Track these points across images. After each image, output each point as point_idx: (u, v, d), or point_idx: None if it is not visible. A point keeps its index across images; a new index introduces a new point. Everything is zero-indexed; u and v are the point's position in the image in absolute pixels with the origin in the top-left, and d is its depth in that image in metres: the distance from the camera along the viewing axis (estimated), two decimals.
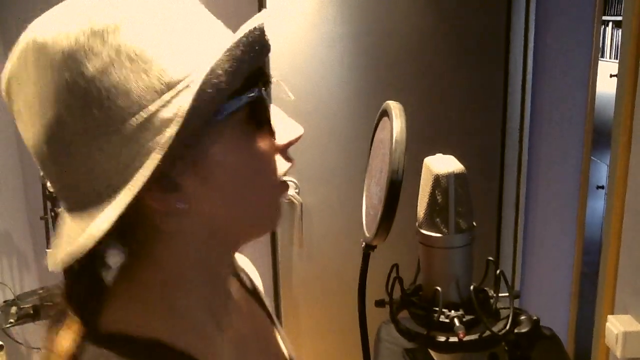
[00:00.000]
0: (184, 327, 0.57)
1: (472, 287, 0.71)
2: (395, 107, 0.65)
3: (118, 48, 0.46)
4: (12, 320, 2.10)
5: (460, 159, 0.71)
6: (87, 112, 0.46)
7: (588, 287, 2.49)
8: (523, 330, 0.72)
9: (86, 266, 0.51)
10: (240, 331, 0.65)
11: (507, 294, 0.73)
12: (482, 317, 0.69)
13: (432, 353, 0.78)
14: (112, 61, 0.45)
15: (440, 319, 0.69)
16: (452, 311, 0.70)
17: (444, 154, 0.72)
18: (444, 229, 0.69)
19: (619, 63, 1.62)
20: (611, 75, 3.34)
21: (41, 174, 1.98)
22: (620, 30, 3.61)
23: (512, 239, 2.46)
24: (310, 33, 2.32)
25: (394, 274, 0.76)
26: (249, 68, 0.49)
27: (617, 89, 1.60)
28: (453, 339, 0.68)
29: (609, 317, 1.57)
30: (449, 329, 0.68)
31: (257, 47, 0.49)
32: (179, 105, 0.46)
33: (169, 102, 0.46)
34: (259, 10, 2.32)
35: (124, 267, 0.57)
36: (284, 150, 0.57)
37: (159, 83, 0.46)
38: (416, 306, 0.74)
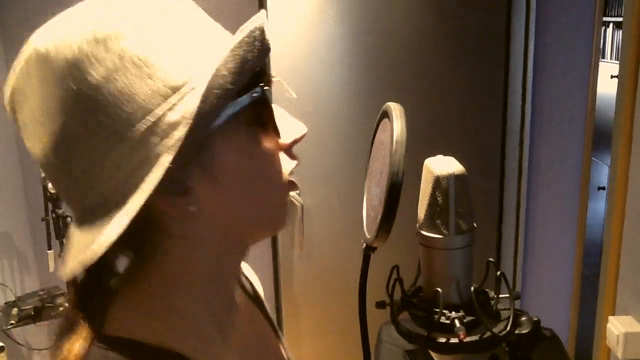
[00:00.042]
0: (188, 333, 0.57)
1: (472, 288, 0.71)
2: (395, 109, 0.65)
3: (121, 54, 0.46)
4: (12, 322, 2.10)
5: (460, 159, 0.71)
6: (94, 120, 0.46)
7: (589, 288, 2.49)
8: (524, 331, 0.72)
9: (94, 272, 0.51)
10: (244, 337, 0.65)
11: (507, 295, 0.73)
12: (482, 318, 0.69)
13: (433, 354, 0.78)
14: (117, 68, 0.45)
15: (441, 320, 0.69)
16: (453, 312, 0.70)
17: (444, 154, 0.72)
18: (444, 230, 0.69)
19: (619, 64, 1.62)
20: (612, 76, 3.33)
21: (42, 175, 1.98)
22: (620, 31, 3.61)
23: (513, 240, 2.46)
24: (310, 33, 2.32)
25: (394, 275, 0.76)
26: (252, 68, 0.49)
27: (617, 90, 1.60)
28: (454, 340, 0.68)
29: (610, 318, 1.56)
30: (449, 330, 0.68)
31: (259, 47, 0.49)
32: (185, 107, 0.46)
33: (174, 105, 0.46)
34: (259, 10, 2.31)
35: (130, 272, 0.57)
36: (288, 149, 0.57)
37: (164, 87, 0.46)
38: (417, 307, 0.74)
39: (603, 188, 3.33)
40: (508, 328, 0.70)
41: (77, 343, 0.52)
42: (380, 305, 0.77)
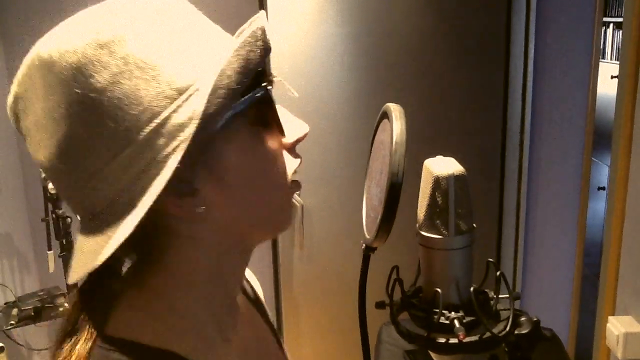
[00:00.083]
0: (188, 333, 0.57)
1: (472, 289, 0.71)
2: (395, 109, 0.65)
3: (126, 58, 0.46)
4: (12, 322, 2.10)
5: (460, 159, 0.71)
6: (100, 124, 0.46)
7: (589, 288, 2.49)
8: (523, 332, 0.72)
9: (97, 274, 0.51)
10: (244, 339, 0.65)
11: (507, 296, 0.73)
12: (482, 319, 0.69)
13: (433, 355, 0.78)
14: (122, 71, 0.46)
15: (441, 321, 0.69)
16: (452, 313, 0.70)
17: (444, 154, 0.72)
18: (444, 231, 0.69)
19: (619, 64, 1.62)
20: (612, 77, 3.34)
21: (42, 175, 1.98)
22: (620, 31, 3.61)
23: (513, 240, 2.46)
24: (310, 33, 2.32)
25: (394, 276, 0.76)
26: (255, 68, 0.49)
27: (617, 90, 1.60)
28: (453, 341, 0.68)
29: (610, 318, 1.57)
30: (449, 330, 0.68)
31: (261, 47, 0.49)
32: (192, 109, 0.46)
33: (180, 106, 0.47)
34: (259, 10, 2.32)
35: (135, 274, 0.57)
36: (291, 148, 0.58)
37: (169, 89, 0.47)
38: (416, 308, 0.74)
39: (603, 188, 3.33)
40: (507, 328, 0.70)
41: (79, 344, 0.52)
42: (379, 305, 0.77)
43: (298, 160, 0.58)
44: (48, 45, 0.48)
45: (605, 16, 4.03)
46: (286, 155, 0.57)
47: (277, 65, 2.29)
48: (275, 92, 0.56)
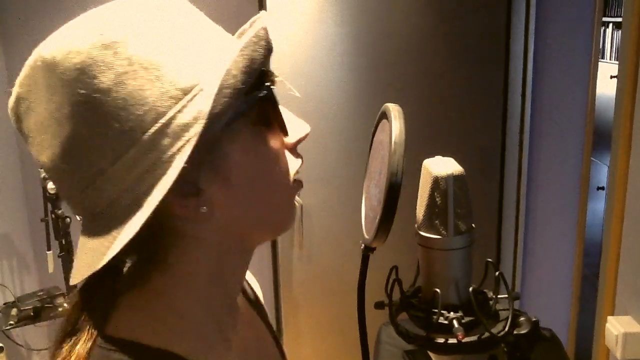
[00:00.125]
0: (188, 333, 0.57)
1: (471, 289, 0.71)
2: (394, 109, 0.65)
3: (130, 59, 0.46)
4: (12, 322, 2.10)
5: (460, 159, 0.71)
6: (104, 124, 0.46)
7: (588, 289, 2.49)
8: (522, 332, 0.72)
9: (100, 274, 0.51)
10: (244, 340, 0.65)
11: (506, 296, 0.73)
12: (481, 319, 0.69)
13: (432, 355, 0.78)
14: (126, 72, 0.46)
15: (440, 321, 0.69)
16: (452, 313, 0.70)
17: (443, 154, 0.73)
18: (443, 231, 0.69)
19: (618, 64, 1.62)
20: (611, 77, 3.33)
21: (42, 176, 1.98)
22: (620, 31, 3.61)
23: (513, 240, 2.46)
24: (310, 33, 2.32)
25: (393, 276, 0.76)
26: (259, 67, 0.49)
27: (617, 90, 1.60)
28: (452, 341, 0.68)
29: (609, 318, 1.57)
30: (448, 330, 0.68)
31: (264, 47, 0.49)
32: (197, 108, 0.46)
33: (184, 107, 0.47)
34: (259, 10, 2.32)
35: (135, 273, 0.57)
36: (293, 148, 0.58)
37: (173, 89, 0.47)
38: (415, 308, 0.74)
39: (602, 188, 3.33)
40: (507, 328, 0.70)
41: (79, 344, 0.52)
42: (379, 306, 0.77)
43: (300, 161, 0.58)
44: (51, 46, 0.47)
45: (605, 16, 4.03)
46: (288, 155, 0.57)
47: (277, 65, 2.29)
48: (276, 91, 0.57)
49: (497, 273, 0.71)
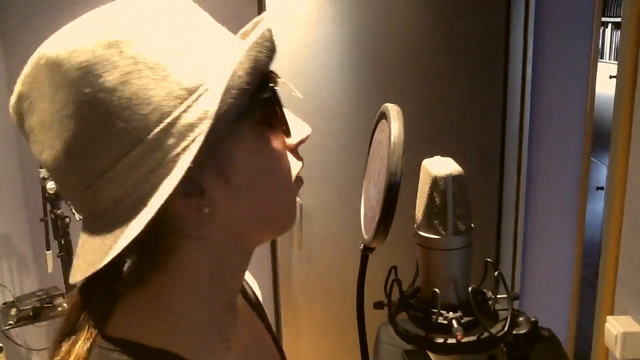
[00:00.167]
0: (188, 333, 0.57)
1: (470, 289, 0.71)
2: (393, 110, 0.65)
3: (135, 58, 0.46)
4: (11, 322, 2.10)
5: (459, 159, 0.71)
6: (108, 123, 0.46)
7: (588, 289, 2.49)
8: (522, 332, 0.73)
9: (101, 274, 0.51)
10: (243, 341, 0.65)
11: (506, 296, 0.73)
12: (480, 319, 0.69)
13: (431, 355, 0.79)
14: (131, 71, 0.46)
15: (439, 321, 0.69)
16: (451, 313, 0.70)
17: (443, 154, 0.72)
18: (442, 231, 0.69)
19: (618, 64, 1.62)
20: (611, 77, 3.33)
21: (41, 175, 1.98)
22: (619, 31, 3.61)
23: (512, 240, 2.46)
24: (310, 33, 2.32)
25: (392, 276, 0.76)
26: (263, 68, 0.49)
27: (616, 90, 1.60)
28: (451, 341, 0.68)
29: (609, 317, 1.57)
30: (447, 330, 0.68)
31: (269, 47, 0.49)
32: (202, 109, 0.46)
33: (190, 106, 0.47)
34: (259, 12, 2.32)
35: (135, 273, 0.57)
36: (294, 150, 0.58)
37: (179, 89, 0.47)
38: (415, 308, 0.74)
39: (602, 188, 3.33)
40: (506, 328, 0.70)
41: (78, 343, 0.52)
42: (378, 306, 0.77)
43: (300, 164, 0.58)
44: (55, 45, 0.47)
45: (604, 16, 4.03)
46: (289, 157, 0.57)
47: (277, 65, 2.28)
48: (279, 92, 0.57)
49: (496, 273, 0.72)
